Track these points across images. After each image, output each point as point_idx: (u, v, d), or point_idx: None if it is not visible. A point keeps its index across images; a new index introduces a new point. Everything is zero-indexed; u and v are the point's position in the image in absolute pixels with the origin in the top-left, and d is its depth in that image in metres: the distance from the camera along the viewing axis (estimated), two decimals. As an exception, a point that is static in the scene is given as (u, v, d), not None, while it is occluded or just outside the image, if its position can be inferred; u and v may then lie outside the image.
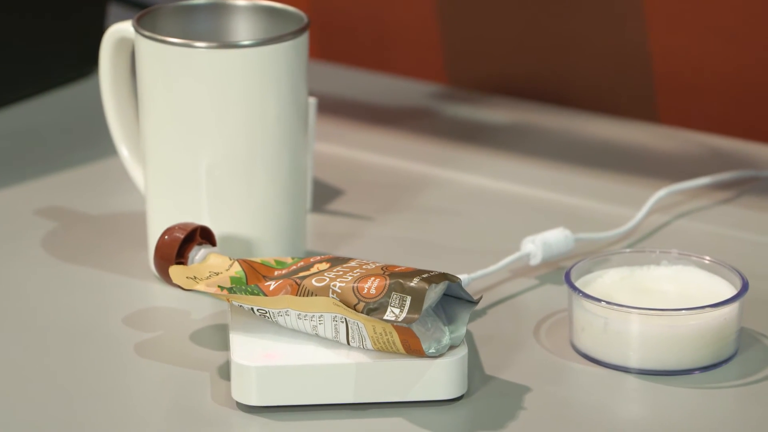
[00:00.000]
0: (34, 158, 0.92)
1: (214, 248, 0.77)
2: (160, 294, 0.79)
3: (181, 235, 0.76)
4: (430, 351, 0.70)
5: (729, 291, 0.73)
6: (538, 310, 0.77)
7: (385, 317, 0.70)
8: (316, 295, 0.71)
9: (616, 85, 0.97)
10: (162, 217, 0.80)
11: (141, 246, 0.83)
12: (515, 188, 0.89)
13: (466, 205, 0.87)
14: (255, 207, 0.79)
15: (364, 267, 0.73)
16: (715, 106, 0.94)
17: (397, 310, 0.70)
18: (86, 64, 1.02)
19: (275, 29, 0.80)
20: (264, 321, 0.73)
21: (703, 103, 0.94)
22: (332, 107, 0.97)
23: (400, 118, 0.97)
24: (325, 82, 1.00)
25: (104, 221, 0.86)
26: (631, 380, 0.72)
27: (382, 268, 0.72)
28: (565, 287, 0.77)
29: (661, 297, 0.74)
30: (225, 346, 0.75)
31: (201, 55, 0.77)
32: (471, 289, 0.77)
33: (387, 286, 0.70)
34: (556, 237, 0.80)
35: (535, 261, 0.80)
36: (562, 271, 0.80)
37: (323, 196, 0.88)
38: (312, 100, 0.84)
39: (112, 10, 1.07)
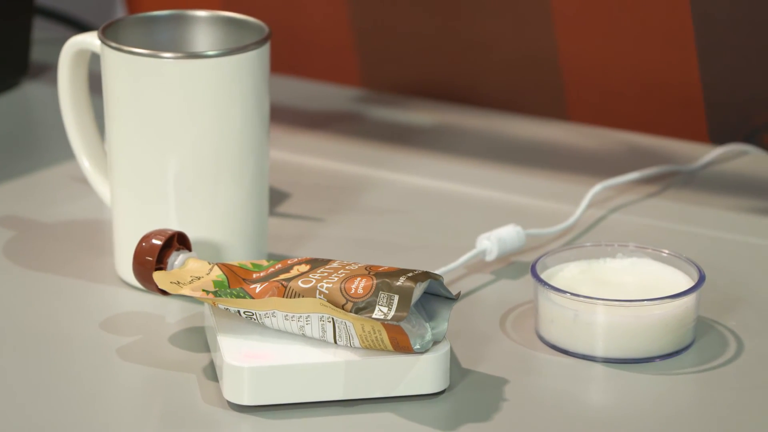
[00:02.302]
0: (-18, 168, 0.85)
1: (192, 253, 0.70)
2: (130, 299, 0.72)
3: (159, 242, 0.69)
4: (416, 347, 0.65)
5: (684, 281, 0.70)
6: (500, 303, 0.72)
7: (374, 316, 0.65)
8: (303, 297, 0.66)
9: (527, 85, 0.93)
10: (130, 225, 0.73)
11: (101, 251, 0.76)
12: (450, 186, 0.84)
13: (407, 204, 0.82)
14: (222, 212, 0.73)
15: (347, 268, 0.67)
16: (623, 104, 0.91)
17: (385, 309, 0.65)
18: (13, 74, 0.94)
19: (234, 39, 0.74)
20: (249, 323, 0.67)
21: (611, 101, 0.91)
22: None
23: (327, 122, 0.92)
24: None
25: (59, 228, 0.78)
26: (598, 368, 0.68)
27: (366, 269, 0.67)
28: (522, 280, 0.72)
29: (621, 288, 0.70)
30: (205, 347, 0.69)
31: (168, 65, 0.71)
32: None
33: (374, 285, 0.65)
34: (509, 233, 0.75)
35: (491, 257, 0.75)
36: (516, 266, 0.75)
37: (273, 199, 0.82)
38: (263, 108, 0.78)
39: (38, 22, 1.00)
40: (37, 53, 0.97)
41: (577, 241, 0.78)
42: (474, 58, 0.93)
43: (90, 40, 0.74)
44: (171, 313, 0.71)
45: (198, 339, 0.69)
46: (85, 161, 0.77)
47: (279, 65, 0.98)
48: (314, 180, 0.85)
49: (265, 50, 0.73)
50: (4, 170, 0.84)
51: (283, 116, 0.91)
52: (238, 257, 0.74)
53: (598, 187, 0.81)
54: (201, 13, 0.75)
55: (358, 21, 0.96)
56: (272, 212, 0.81)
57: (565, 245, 0.75)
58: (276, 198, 0.82)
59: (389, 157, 0.87)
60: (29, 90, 0.94)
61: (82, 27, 0.99)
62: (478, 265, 0.76)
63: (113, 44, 0.72)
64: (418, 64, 0.95)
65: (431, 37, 0.94)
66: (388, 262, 0.74)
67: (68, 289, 0.73)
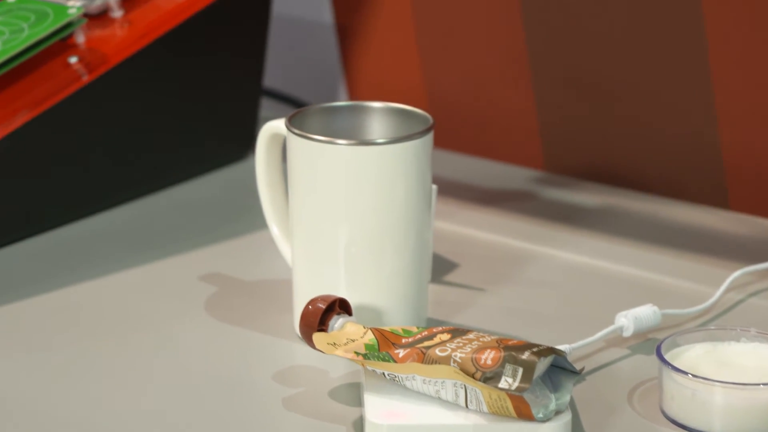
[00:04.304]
0: (199, 230, 0.87)
1: (351, 317, 0.71)
2: (302, 354, 0.73)
3: (323, 306, 0.70)
4: (539, 416, 0.64)
5: (802, 367, 0.67)
6: (631, 378, 0.70)
7: (500, 386, 0.64)
8: (439, 364, 0.66)
9: (689, 173, 0.90)
10: (306, 287, 0.74)
11: (286, 309, 0.77)
12: (605, 265, 0.82)
13: (561, 278, 0.81)
14: (385, 279, 0.74)
15: (481, 339, 0.67)
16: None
17: (510, 380, 0.64)
18: (241, 149, 0.97)
19: (405, 128, 0.75)
20: (393, 384, 0.67)
21: None
22: (445, 188, 0.91)
23: (504, 200, 0.91)
24: (438, 166, 0.94)
25: (255, 286, 0.80)
26: (715, 444, 0.65)
27: (497, 341, 0.66)
28: (653, 357, 0.70)
29: (740, 371, 0.67)
30: (358, 402, 0.69)
31: (342, 150, 0.72)
32: (571, 357, 0.71)
33: (502, 357, 0.64)
34: (646, 312, 0.73)
35: (627, 333, 0.73)
36: (651, 343, 0.73)
37: (441, 268, 0.82)
38: (434, 187, 0.78)
39: (264, 102, 1.03)
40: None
41: (712, 324, 0.75)
42: (639, 143, 0.91)
43: (281, 125, 0.76)
44: (335, 369, 0.72)
45: (354, 394, 0.70)
46: (274, 228, 0.78)
47: (468, 146, 0.98)
48: (481, 252, 0.84)
49: (428, 139, 0.73)
50: (218, 232, 0.86)
51: (461, 192, 0.91)
52: (398, 321, 0.74)
53: (738, 272, 0.78)
54: (376, 104, 0.76)
55: (542, 108, 0.95)
56: (438, 280, 0.81)
57: (699, 327, 0.72)
58: (443, 267, 0.82)
59: (552, 234, 0.86)
60: (253, 162, 0.97)
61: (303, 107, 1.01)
62: (616, 339, 0.74)
63: (296, 131, 0.73)
64: (591, 149, 0.94)
65: (603, 123, 0.93)
66: (532, 331, 0.73)
67: (251, 342, 0.75)
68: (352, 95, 1.03)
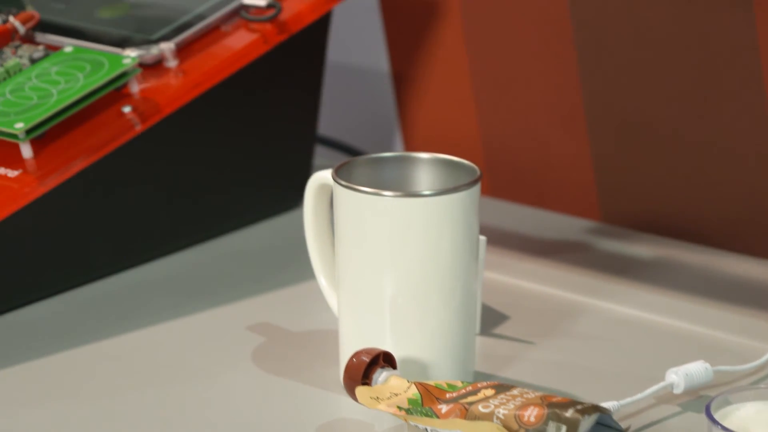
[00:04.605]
0: (249, 279, 0.87)
1: (395, 371, 0.70)
2: (347, 406, 0.72)
3: (366, 359, 0.70)
4: (583, 475, 0.63)
5: None
6: (680, 435, 0.69)
7: (543, 444, 0.62)
8: (482, 420, 0.64)
9: (749, 225, 0.88)
10: (351, 339, 0.73)
11: (333, 361, 0.76)
12: (657, 318, 0.80)
13: (614, 332, 0.79)
14: (431, 332, 0.72)
15: (525, 396, 0.65)
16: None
17: (554, 438, 0.62)
18: (295, 197, 0.96)
19: (453, 179, 0.74)
20: (436, 439, 0.66)
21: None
22: (498, 239, 0.90)
23: (557, 251, 0.90)
24: (493, 216, 0.93)
25: (303, 337, 0.80)
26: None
27: (541, 398, 0.65)
28: (704, 416, 0.68)
29: (793, 431, 0.65)
30: (401, 457, 0.68)
31: (388, 202, 0.71)
32: (619, 414, 0.69)
33: (545, 415, 0.63)
34: (697, 369, 0.71)
35: (677, 390, 0.71)
36: (702, 400, 0.71)
37: (491, 320, 0.81)
38: (482, 239, 0.77)
39: (319, 149, 1.03)
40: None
41: (766, 382, 0.73)
42: (695, 193, 0.90)
43: (328, 176, 0.75)
44: (381, 423, 0.71)
45: (400, 448, 0.69)
46: (322, 279, 0.78)
47: (523, 195, 0.97)
48: (532, 304, 0.83)
49: (475, 191, 0.72)
50: (269, 281, 0.86)
51: (514, 242, 0.90)
52: (444, 375, 0.73)
53: (793, 328, 0.76)
54: (423, 155, 0.75)
55: (597, 158, 0.93)
56: (487, 332, 0.80)
57: (751, 385, 0.71)
58: (493, 319, 0.81)
59: (605, 287, 0.84)
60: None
61: (358, 156, 1.01)
62: (666, 396, 0.72)
63: (342, 182, 0.73)
64: (647, 199, 0.92)
65: (660, 173, 0.91)
66: (580, 386, 0.71)
67: (298, 393, 0.74)
68: (408, 143, 1.02)
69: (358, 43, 1.04)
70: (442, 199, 0.71)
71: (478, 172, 0.73)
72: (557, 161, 0.95)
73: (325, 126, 1.05)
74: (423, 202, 0.71)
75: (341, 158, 1.03)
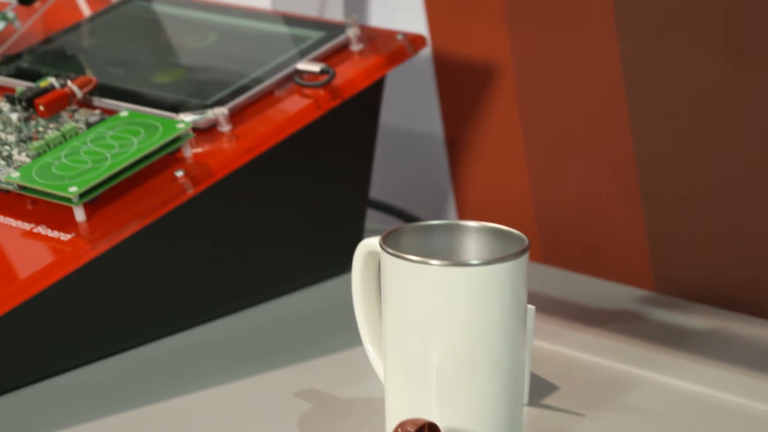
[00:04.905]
0: (297, 344, 0.86)
1: (439, 443, 0.69)
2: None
3: (411, 430, 0.68)
4: None
5: None
6: None
7: None
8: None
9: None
10: (397, 408, 0.73)
11: (379, 430, 0.75)
12: (711, 392, 0.79)
13: (667, 405, 0.78)
14: (477, 403, 0.71)
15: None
16: None
17: None
18: (347, 261, 0.96)
19: (501, 248, 0.73)
20: None
21: None
22: (549, 307, 0.89)
23: (610, 320, 0.88)
24: (544, 283, 0.92)
25: (349, 405, 0.79)
26: None
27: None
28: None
29: None
30: None
31: (435, 271, 0.70)
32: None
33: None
34: (749, 446, 0.70)
35: (729, 467, 0.70)
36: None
37: (540, 390, 0.79)
38: (531, 308, 0.76)
39: (371, 213, 1.02)
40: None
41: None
42: (752, 264, 0.88)
43: (376, 243, 0.75)
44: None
45: None
46: (369, 346, 0.77)
47: (576, 263, 0.96)
48: (583, 374, 0.81)
49: (522, 260, 0.71)
50: (317, 347, 0.85)
51: (566, 311, 0.89)
52: (491, 446, 0.72)
53: None
54: (471, 224, 0.75)
55: (652, 226, 0.92)
56: (536, 403, 0.78)
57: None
58: (542, 389, 0.80)
59: (658, 358, 0.83)
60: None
61: (412, 221, 1.01)
62: (717, 473, 0.70)
63: (389, 250, 0.72)
64: (702, 269, 0.91)
65: (715, 242, 0.90)
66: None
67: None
68: (461, 208, 1.02)
69: (412, 107, 1.04)
70: (489, 268, 0.71)
71: (527, 242, 0.72)
72: (610, 229, 0.94)
73: (378, 189, 1.04)
74: (470, 272, 0.70)
75: (393, 222, 1.03)
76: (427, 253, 0.73)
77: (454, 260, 0.72)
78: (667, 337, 0.86)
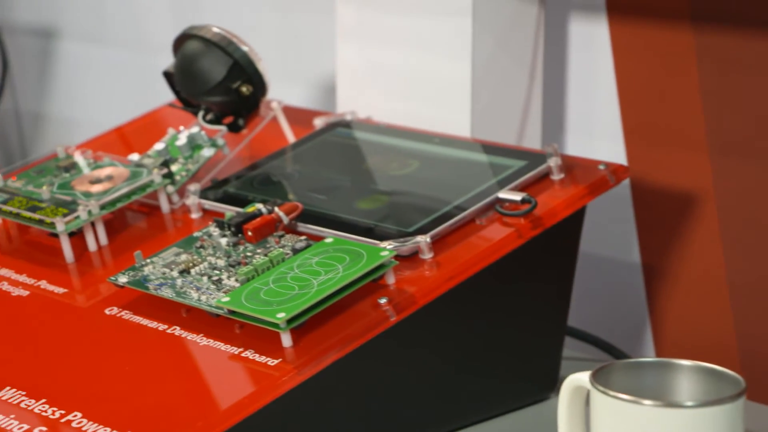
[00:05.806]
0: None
1: None
2: None
3: None
4: None
5: None
6: None
7: None
8: None
9: None
10: None
11: None
12: None
13: None
14: None
15: None
16: None
17: None
18: (543, 389, 0.95)
19: (715, 389, 0.71)
20: None
21: None
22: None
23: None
24: (755, 421, 0.89)
25: None
26: None
27: None
28: None
29: None
30: None
31: (648, 411, 0.69)
32: None
33: None
34: None
35: None
36: None
37: None
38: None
39: (567, 341, 1.01)
40: (565, 371, 0.97)
41: None
42: None
43: (585, 379, 0.74)
44: None
45: None
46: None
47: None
48: None
49: (739, 404, 0.69)
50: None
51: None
52: None
53: None
54: (684, 362, 0.73)
55: None
56: None
57: None
58: None
59: None
60: (554, 404, 0.94)
61: (609, 350, 0.99)
62: None
63: (600, 387, 0.71)
64: None
65: None
66: None
67: None
68: (657, 339, 1.00)
69: (609, 233, 1.03)
70: (705, 411, 0.69)
71: (743, 384, 0.70)
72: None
73: (574, 317, 1.03)
74: (685, 413, 0.69)
75: (590, 350, 1.01)
76: (639, 392, 0.72)
77: (668, 401, 0.70)
78: None
